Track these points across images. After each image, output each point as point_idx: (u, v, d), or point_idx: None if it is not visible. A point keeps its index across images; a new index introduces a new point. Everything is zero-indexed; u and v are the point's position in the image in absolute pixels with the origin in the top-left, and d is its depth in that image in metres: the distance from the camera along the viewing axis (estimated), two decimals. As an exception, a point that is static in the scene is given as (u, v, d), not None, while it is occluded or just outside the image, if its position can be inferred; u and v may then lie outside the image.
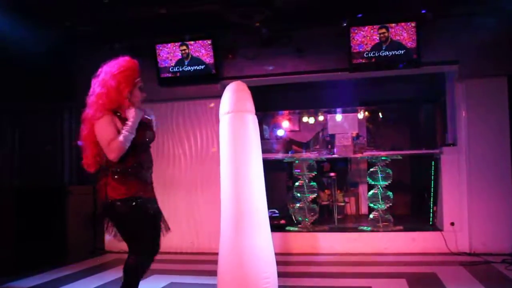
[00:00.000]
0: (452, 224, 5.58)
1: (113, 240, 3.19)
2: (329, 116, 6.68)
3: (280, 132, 8.51)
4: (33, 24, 4.87)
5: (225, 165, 3.50)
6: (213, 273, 3.73)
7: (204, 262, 5.35)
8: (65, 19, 5.13)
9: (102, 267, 5.20)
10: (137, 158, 2.95)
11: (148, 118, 3.15)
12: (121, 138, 2.81)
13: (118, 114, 2.93)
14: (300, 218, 6.25)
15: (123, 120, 2.90)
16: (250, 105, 3.56)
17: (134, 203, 2.87)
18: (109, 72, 2.93)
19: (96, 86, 2.95)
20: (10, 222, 5.19)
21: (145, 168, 3.01)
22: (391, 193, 6.09)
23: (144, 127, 3.05)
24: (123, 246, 2.97)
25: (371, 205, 6.23)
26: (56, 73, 5.77)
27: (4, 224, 5.12)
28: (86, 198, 5.96)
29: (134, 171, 2.92)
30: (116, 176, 2.88)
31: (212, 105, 6.07)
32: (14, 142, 5.37)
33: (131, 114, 2.87)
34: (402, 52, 5.44)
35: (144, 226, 2.93)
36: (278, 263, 3.59)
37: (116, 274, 4.60)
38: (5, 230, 5.12)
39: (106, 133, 2.84)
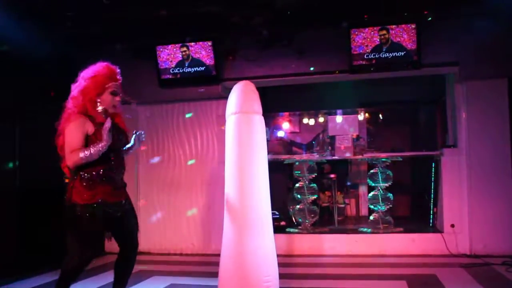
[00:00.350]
0: (453, 225, 5.57)
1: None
2: (329, 117, 6.69)
3: (281, 134, 8.51)
4: (33, 25, 4.88)
5: (230, 167, 3.47)
6: (214, 274, 3.73)
7: (205, 264, 5.34)
8: (66, 20, 5.13)
9: (102, 268, 5.18)
10: (108, 164, 2.95)
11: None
12: (82, 155, 2.80)
13: (91, 117, 2.94)
14: (300, 220, 6.24)
15: (97, 124, 2.91)
16: (257, 106, 3.51)
17: (93, 210, 2.87)
18: (82, 78, 3.01)
19: (72, 91, 3.03)
20: (10, 223, 5.19)
21: (116, 173, 3.02)
22: (391, 194, 6.09)
23: (117, 131, 3.05)
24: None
25: (371, 206, 6.23)
26: (56, 74, 5.77)
27: (4, 225, 5.12)
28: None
29: (104, 176, 2.92)
30: (84, 183, 2.89)
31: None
32: (15, 143, 5.37)
33: (104, 136, 2.83)
34: (403, 53, 5.44)
35: (96, 231, 2.95)
36: (278, 264, 3.58)
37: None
38: (6, 231, 5.12)
39: (71, 140, 2.85)
